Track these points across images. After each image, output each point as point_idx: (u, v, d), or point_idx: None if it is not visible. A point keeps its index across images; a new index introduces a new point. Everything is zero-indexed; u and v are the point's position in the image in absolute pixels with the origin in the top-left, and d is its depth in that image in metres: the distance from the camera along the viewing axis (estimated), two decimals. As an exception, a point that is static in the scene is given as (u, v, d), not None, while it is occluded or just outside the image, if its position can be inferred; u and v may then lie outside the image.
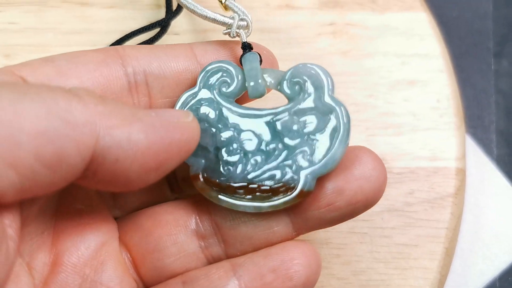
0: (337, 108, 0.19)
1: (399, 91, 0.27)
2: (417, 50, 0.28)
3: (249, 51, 0.20)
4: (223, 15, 0.21)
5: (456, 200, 0.26)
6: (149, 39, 0.25)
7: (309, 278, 0.19)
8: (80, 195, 0.19)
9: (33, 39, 0.28)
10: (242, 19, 0.21)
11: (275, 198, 0.19)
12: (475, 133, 0.31)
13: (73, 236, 0.19)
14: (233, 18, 0.21)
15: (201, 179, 0.19)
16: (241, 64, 0.20)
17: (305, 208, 0.19)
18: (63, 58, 0.18)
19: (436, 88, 0.27)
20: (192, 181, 0.19)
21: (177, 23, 0.28)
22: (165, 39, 0.27)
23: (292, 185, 0.19)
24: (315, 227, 0.20)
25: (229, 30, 0.21)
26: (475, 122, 0.31)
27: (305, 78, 0.19)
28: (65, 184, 0.16)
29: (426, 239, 0.25)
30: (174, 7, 0.27)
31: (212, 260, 0.20)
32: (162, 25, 0.26)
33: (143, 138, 0.15)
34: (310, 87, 0.19)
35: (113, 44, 0.26)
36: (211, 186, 0.19)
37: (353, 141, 0.26)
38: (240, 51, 0.20)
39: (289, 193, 0.19)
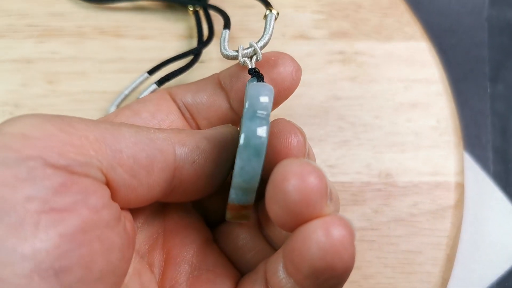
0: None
1: (403, 112, 0.30)
2: (418, 76, 0.31)
3: (256, 75, 0.21)
4: (227, 49, 0.23)
5: (455, 212, 0.28)
6: (184, 66, 0.28)
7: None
8: (180, 206, 0.23)
9: (73, 67, 0.31)
10: (247, 48, 0.22)
11: None
12: (473, 151, 0.33)
13: (180, 235, 0.22)
14: (237, 50, 0.23)
15: None
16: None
17: None
18: (135, 103, 0.23)
19: (436, 110, 0.30)
20: None
21: (203, 52, 0.31)
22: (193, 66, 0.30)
23: None
24: None
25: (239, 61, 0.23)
26: (473, 141, 0.34)
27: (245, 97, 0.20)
28: (160, 192, 0.20)
29: (429, 246, 0.28)
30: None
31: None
32: (195, 53, 0.29)
33: (206, 143, 0.21)
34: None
35: (151, 70, 0.29)
36: None
37: (361, 158, 0.29)
38: (263, 71, 0.22)
39: None
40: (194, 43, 0.31)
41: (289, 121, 0.20)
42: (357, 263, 0.27)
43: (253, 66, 0.22)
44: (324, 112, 0.30)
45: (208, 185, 0.21)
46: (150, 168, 0.19)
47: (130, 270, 0.21)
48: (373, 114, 0.30)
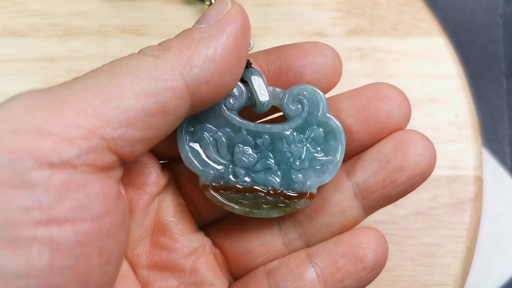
0: (335, 124, 0.21)
1: (420, 108, 0.31)
2: (436, 71, 0.31)
3: (250, 66, 0.21)
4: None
5: (475, 205, 0.29)
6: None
7: (378, 259, 0.21)
8: (170, 210, 0.22)
9: (95, 65, 0.31)
10: None
11: (287, 203, 0.21)
12: (490, 146, 0.34)
13: (169, 244, 0.21)
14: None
15: (211, 189, 0.21)
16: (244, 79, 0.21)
17: (373, 190, 0.21)
18: None
19: (454, 105, 0.31)
20: (203, 191, 0.21)
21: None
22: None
23: (304, 191, 0.21)
24: (382, 205, 0.22)
25: None
26: (490, 136, 0.34)
27: (305, 97, 0.21)
28: (179, 120, 0.18)
29: (449, 239, 0.28)
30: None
31: None
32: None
33: (212, 51, 0.18)
34: (309, 106, 0.21)
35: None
36: (221, 194, 0.21)
37: (380, 152, 0.29)
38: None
39: (297, 199, 0.21)
40: (213, 41, 0.32)
41: None
42: (377, 256, 0.28)
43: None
44: (342, 107, 0.30)
45: (230, 77, 0.18)
46: (163, 110, 0.17)
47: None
48: (391, 110, 0.30)
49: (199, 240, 0.22)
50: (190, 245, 0.22)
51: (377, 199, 0.21)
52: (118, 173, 0.17)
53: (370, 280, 0.21)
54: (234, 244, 0.22)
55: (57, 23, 0.32)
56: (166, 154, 0.22)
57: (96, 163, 0.16)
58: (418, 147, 0.21)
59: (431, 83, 0.31)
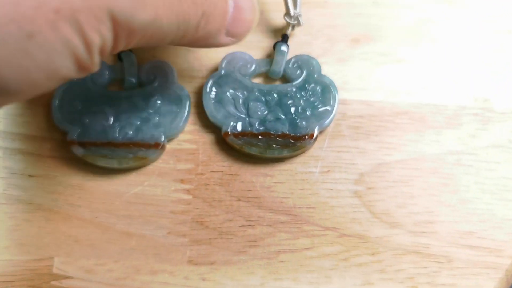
0: (329, 80, 0.26)
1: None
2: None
3: (286, 42, 0.27)
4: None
5: (558, 140, 0.26)
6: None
7: None
8: None
9: None
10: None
11: (294, 142, 0.25)
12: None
13: None
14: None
15: (232, 136, 0.25)
16: (274, 48, 0.27)
17: None
18: None
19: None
20: (224, 138, 0.26)
21: None
22: None
23: (308, 132, 0.25)
24: None
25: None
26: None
27: (304, 64, 0.27)
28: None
29: (531, 173, 0.26)
30: None
31: None
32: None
33: None
34: (307, 69, 0.27)
35: None
36: (239, 139, 0.25)
37: (457, 80, 0.27)
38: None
39: (303, 140, 0.25)
40: None
41: None
42: (453, 187, 0.26)
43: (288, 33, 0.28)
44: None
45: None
46: None
47: None
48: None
49: None
50: None
51: None
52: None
53: None
54: None
55: None
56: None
57: None
58: None
59: None
